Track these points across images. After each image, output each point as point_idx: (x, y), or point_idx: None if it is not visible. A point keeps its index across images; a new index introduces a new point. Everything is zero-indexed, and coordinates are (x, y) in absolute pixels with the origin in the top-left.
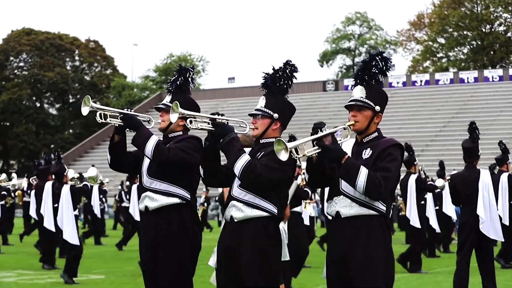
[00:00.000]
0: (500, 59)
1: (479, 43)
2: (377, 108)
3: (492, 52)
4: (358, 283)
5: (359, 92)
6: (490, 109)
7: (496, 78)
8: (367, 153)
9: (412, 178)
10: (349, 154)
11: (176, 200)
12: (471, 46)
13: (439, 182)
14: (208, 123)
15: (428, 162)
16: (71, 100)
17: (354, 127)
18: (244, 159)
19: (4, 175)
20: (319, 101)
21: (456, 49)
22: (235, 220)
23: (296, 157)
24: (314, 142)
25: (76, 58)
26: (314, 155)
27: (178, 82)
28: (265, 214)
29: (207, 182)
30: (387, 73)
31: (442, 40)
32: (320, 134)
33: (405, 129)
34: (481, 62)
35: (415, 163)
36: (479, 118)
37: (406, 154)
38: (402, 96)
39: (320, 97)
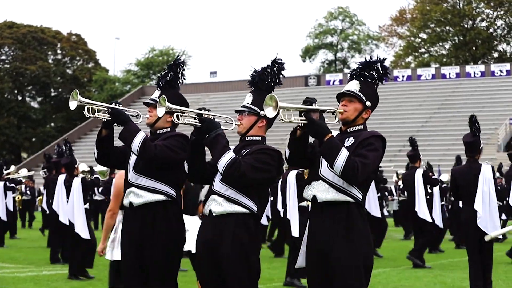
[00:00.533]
0: (482, 55)
1: (461, 38)
2: (368, 103)
3: (474, 48)
4: (339, 275)
5: (353, 85)
6: (471, 105)
7: (478, 74)
8: (349, 142)
9: (419, 172)
10: None
11: (161, 197)
12: (453, 42)
13: (444, 177)
14: (195, 118)
15: None
16: (53, 94)
17: (342, 116)
18: (228, 156)
19: (13, 167)
20: (301, 95)
21: (438, 45)
22: (214, 215)
23: (281, 119)
24: (302, 114)
25: (58, 51)
26: (300, 125)
27: (167, 77)
28: (244, 210)
29: (192, 178)
30: (382, 81)
31: (424, 36)
32: (310, 107)
33: (386, 124)
34: (463, 58)
35: (419, 157)
36: (461, 114)
37: (410, 149)
38: (384, 91)
39: (302, 91)
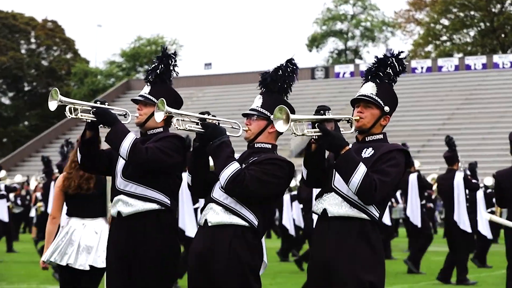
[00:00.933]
0: None
1: (488, 24)
2: (386, 108)
3: (502, 35)
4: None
5: (369, 88)
6: (500, 99)
7: (507, 65)
8: (367, 152)
9: (459, 176)
10: None
11: (153, 206)
12: (479, 28)
13: (488, 181)
14: (197, 124)
15: (429, 159)
16: (26, 88)
17: (358, 124)
18: (232, 167)
19: (3, 172)
20: (307, 90)
21: (461, 32)
22: (209, 225)
23: (293, 133)
24: (316, 124)
25: (32, 40)
26: (314, 137)
27: (158, 70)
28: (243, 223)
29: (196, 191)
30: (398, 75)
31: (445, 22)
32: (324, 116)
33: (404, 121)
34: (490, 47)
35: (458, 159)
36: (488, 110)
37: (447, 149)
38: (401, 85)
39: (308, 85)
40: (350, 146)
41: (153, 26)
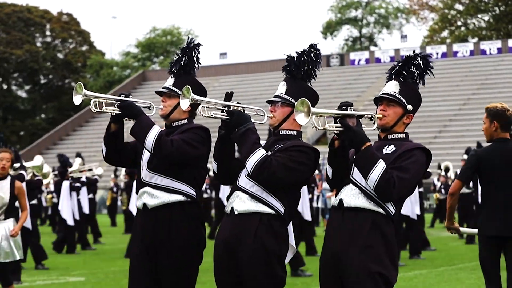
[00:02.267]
0: None
1: (502, 8)
2: (409, 107)
3: None
4: (352, 282)
5: (392, 87)
6: None
7: None
8: (389, 149)
9: None
10: None
11: (179, 198)
12: (493, 13)
13: None
14: (222, 111)
15: (446, 145)
16: (42, 81)
17: (381, 122)
18: (258, 154)
19: (78, 161)
20: (322, 77)
21: (476, 17)
22: (235, 213)
23: (314, 126)
24: (338, 120)
25: (48, 33)
26: (335, 132)
27: (182, 62)
28: (269, 210)
29: (220, 178)
30: (423, 78)
31: (459, 7)
32: (346, 112)
33: (419, 108)
34: (504, 31)
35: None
36: (503, 95)
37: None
38: None
39: (323, 73)
40: (371, 143)
41: (168, 16)
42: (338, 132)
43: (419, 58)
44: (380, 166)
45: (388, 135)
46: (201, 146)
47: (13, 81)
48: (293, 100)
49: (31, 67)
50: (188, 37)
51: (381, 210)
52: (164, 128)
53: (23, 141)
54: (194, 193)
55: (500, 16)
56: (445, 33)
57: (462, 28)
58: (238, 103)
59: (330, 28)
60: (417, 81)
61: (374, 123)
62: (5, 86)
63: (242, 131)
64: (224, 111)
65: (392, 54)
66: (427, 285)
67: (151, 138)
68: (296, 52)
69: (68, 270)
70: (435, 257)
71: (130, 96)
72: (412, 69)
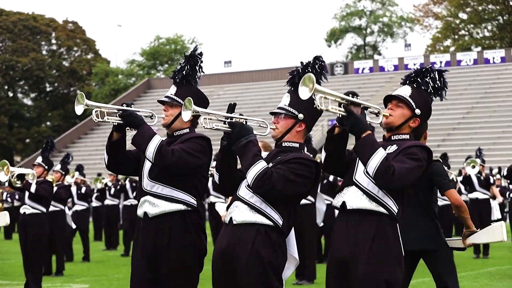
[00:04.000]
0: None
1: (506, 18)
2: (417, 111)
3: None
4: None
5: (404, 90)
6: None
7: None
8: (391, 149)
9: None
10: None
11: (180, 207)
12: (497, 22)
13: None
14: (224, 123)
15: (449, 153)
16: (48, 89)
17: (387, 120)
18: (259, 166)
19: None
20: (326, 86)
21: (479, 26)
22: (234, 223)
23: (317, 105)
24: (342, 105)
25: (53, 41)
26: (338, 114)
27: (184, 71)
28: (267, 222)
29: (222, 189)
30: (438, 94)
31: (463, 16)
32: (352, 99)
33: None
34: (508, 40)
35: None
36: (507, 103)
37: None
38: None
39: (328, 81)
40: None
41: (172, 25)
42: (340, 116)
43: (436, 72)
44: (380, 153)
45: (392, 136)
46: (201, 156)
47: (18, 89)
48: (296, 112)
49: (37, 75)
50: (196, 46)
51: (384, 211)
52: (166, 137)
53: (28, 148)
54: (195, 202)
55: (504, 25)
56: (448, 42)
57: (466, 37)
58: (241, 114)
59: (334, 36)
60: (431, 92)
61: (379, 118)
62: (11, 94)
63: (244, 143)
64: (226, 122)
65: (396, 62)
66: None
67: (152, 148)
68: (301, 63)
69: (73, 277)
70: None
71: (132, 105)
72: (427, 80)
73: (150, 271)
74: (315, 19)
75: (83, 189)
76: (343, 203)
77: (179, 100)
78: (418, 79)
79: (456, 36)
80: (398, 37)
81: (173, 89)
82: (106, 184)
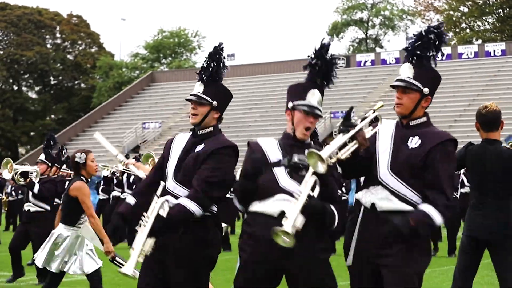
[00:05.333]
0: None
1: (507, 11)
2: (426, 90)
3: None
4: (392, 284)
5: (406, 71)
6: None
7: None
8: (414, 142)
9: None
10: (390, 139)
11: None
12: (497, 15)
13: None
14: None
15: None
16: (52, 82)
17: (398, 110)
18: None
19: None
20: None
21: (480, 19)
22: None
23: (331, 163)
24: (347, 140)
25: (58, 35)
26: (349, 154)
27: (210, 69)
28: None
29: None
30: (440, 49)
31: (464, 9)
32: (353, 131)
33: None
34: (509, 33)
35: None
36: (508, 96)
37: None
38: None
39: (337, 77)
40: (390, 139)
41: (175, 18)
42: (354, 150)
43: (433, 34)
44: (438, 217)
45: (410, 122)
46: (227, 177)
47: (23, 83)
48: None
49: (41, 69)
50: (220, 43)
51: (412, 209)
52: (190, 134)
53: (33, 141)
54: (215, 208)
55: (505, 18)
56: (449, 35)
57: (467, 30)
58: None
59: (336, 30)
60: (434, 56)
61: (380, 123)
62: (15, 87)
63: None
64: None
65: (398, 55)
66: (431, 284)
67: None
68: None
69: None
70: (439, 256)
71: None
72: (426, 47)
73: (158, 269)
74: (317, 12)
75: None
76: (373, 205)
77: (208, 99)
78: (418, 51)
79: (457, 29)
80: (399, 30)
81: (200, 87)
82: (113, 173)
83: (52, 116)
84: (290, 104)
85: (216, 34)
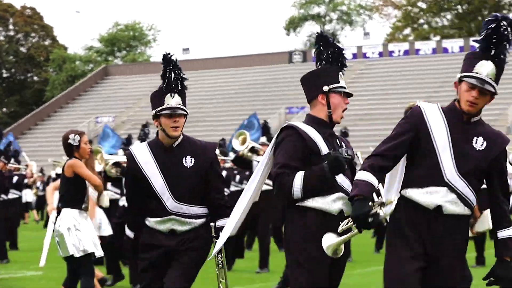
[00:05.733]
0: None
1: (465, 7)
2: (496, 91)
3: (479, 18)
4: (448, 281)
5: (490, 71)
6: None
7: None
8: (479, 143)
9: None
10: (446, 134)
11: (204, 220)
12: (455, 11)
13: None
14: None
15: None
16: (4, 75)
17: (471, 109)
18: None
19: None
20: (284, 74)
21: (438, 15)
22: None
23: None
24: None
25: (11, 27)
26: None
27: (179, 80)
28: None
29: None
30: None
31: (423, 5)
32: (355, 232)
33: (382, 105)
34: (466, 29)
35: None
36: None
37: None
38: (378, 68)
39: (286, 69)
40: (446, 134)
41: (131, 11)
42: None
43: (506, 23)
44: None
45: (472, 118)
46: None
47: None
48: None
49: None
50: (168, 54)
51: (470, 213)
52: (159, 151)
53: None
54: (208, 211)
55: (463, 15)
56: (407, 31)
57: (425, 26)
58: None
59: (293, 24)
60: (507, 48)
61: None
62: None
63: None
64: None
65: (355, 51)
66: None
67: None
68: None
69: (27, 264)
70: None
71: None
72: (505, 43)
73: (164, 265)
74: (274, 6)
75: (15, 179)
76: (439, 207)
77: (187, 110)
78: (499, 50)
79: (415, 25)
80: (357, 25)
81: (177, 99)
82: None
83: (4, 109)
84: (326, 88)
85: (171, 28)
